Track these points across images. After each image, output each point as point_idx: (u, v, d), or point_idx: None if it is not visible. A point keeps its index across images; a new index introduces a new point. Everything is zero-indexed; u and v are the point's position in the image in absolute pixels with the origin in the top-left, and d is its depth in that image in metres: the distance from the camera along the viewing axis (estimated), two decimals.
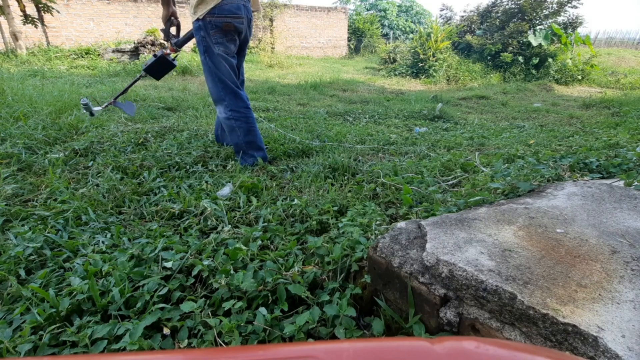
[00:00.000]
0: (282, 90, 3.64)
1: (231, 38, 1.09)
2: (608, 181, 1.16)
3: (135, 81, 1.55)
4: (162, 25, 1.23)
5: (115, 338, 0.74)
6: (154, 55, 1.26)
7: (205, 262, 0.95)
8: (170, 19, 1.10)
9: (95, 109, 1.60)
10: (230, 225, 1.23)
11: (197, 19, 1.04)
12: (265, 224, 1.24)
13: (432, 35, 8.03)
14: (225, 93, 1.15)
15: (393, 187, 1.49)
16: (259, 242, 1.10)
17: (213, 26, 1.02)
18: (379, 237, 0.88)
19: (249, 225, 1.26)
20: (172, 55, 1.28)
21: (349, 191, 1.52)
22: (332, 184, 1.59)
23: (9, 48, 5.30)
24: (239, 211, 1.35)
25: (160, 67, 1.23)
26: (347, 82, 4.29)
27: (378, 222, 1.13)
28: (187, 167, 1.83)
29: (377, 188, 1.50)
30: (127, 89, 1.59)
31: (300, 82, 4.26)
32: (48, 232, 1.15)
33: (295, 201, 1.36)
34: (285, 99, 3.20)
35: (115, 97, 1.58)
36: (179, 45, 1.16)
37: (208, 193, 1.50)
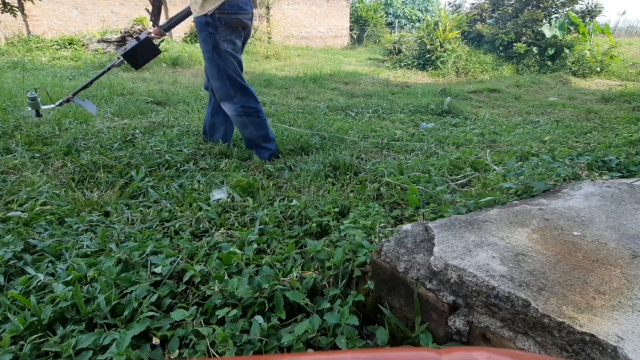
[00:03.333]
0: (280, 83, 3.63)
1: (239, 34, 1.11)
2: (629, 180, 1.16)
3: (104, 72, 1.37)
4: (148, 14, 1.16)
5: (101, 348, 0.74)
6: (136, 39, 1.17)
7: (198, 267, 0.95)
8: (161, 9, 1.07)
9: (45, 107, 1.41)
10: (223, 228, 1.23)
11: (205, 14, 1.01)
12: (262, 226, 1.24)
13: (440, 24, 8.02)
14: (234, 90, 1.18)
15: (398, 187, 1.49)
16: (255, 245, 1.10)
17: (223, 23, 1.02)
18: (383, 240, 0.88)
19: (244, 227, 1.26)
20: (157, 41, 1.22)
21: (351, 191, 1.52)
22: (333, 184, 1.59)
23: None
24: (233, 213, 1.35)
25: (142, 53, 1.14)
26: (349, 75, 4.29)
27: (382, 225, 1.13)
28: (178, 165, 1.82)
29: (381, 188, 1.50)
30: (91, 81, 1.40)
31: (299, 75, 4.25)
32: (29, 235, 1.15)
33: (294, 202, 1.36)
34: (282, 93, 3.19)
35: (74, 92, 1.46)
36: (166, 29, 1.11)
37: (200, 193, 1.51)
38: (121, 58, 1.22)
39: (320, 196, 1.48)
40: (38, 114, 1.37)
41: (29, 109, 1.52)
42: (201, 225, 1.27)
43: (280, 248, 1.11)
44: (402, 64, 6.12)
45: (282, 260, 1.02)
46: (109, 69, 1.38)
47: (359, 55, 7.57)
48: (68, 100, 1.46)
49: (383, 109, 2.78)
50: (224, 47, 1.07)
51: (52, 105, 1.44)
